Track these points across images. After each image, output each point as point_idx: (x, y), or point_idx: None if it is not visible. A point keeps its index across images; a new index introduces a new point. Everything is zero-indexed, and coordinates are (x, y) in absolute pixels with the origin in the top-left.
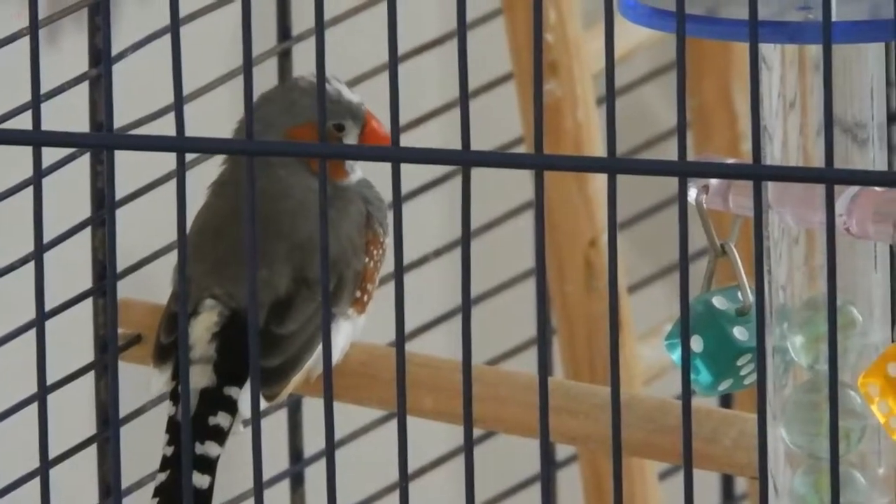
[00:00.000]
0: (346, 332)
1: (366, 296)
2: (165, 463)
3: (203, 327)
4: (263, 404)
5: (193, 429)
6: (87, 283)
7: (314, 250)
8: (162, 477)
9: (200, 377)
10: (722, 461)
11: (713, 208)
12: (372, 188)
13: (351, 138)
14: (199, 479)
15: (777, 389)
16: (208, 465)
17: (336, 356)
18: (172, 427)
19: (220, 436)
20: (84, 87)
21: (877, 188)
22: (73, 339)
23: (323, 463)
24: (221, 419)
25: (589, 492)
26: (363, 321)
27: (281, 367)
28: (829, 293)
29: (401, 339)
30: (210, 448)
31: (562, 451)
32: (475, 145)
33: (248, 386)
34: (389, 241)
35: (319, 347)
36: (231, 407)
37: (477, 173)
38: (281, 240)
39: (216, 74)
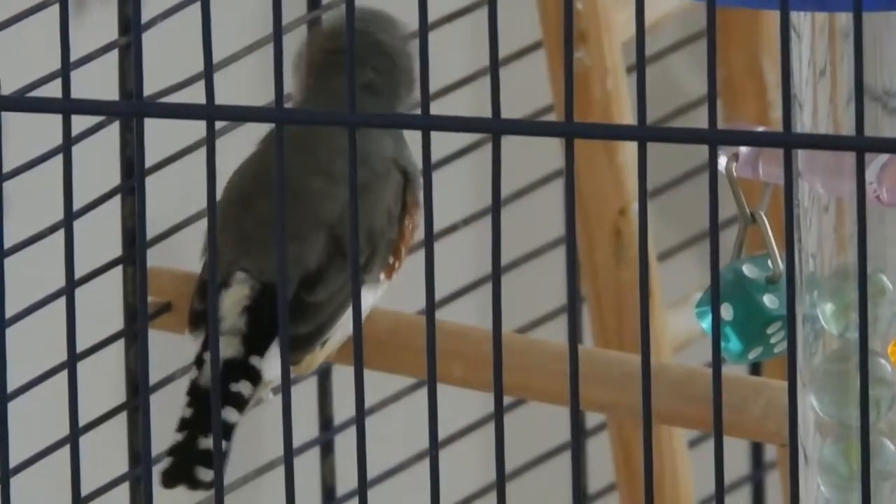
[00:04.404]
0: (373, 297)
1: (398, 262)
2: (183, 424)
3: (233, 300)
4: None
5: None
6: (116, 251)
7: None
8: (178, 437)
9: (228, 347)
10: (751, 429)
11: (743, 177)
12: (406, 148)
13: None
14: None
15: (807, 358)
16: (226, 431)
17: (362, 318)
18: (194, 391)
19: (239, 403)
20: (113, 56)
21: None
22: (103, 308)
23: (352, 431)
24: (243, 387)
25: (618, 460)
26: (388, 285)
27: (310, 335)
28: (860, 261)
29: (431, 307)
30: (229, 414)
31: (591, 419)
32: (505, 114)
33: (269, 353)
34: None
35: (344, 316)
36: (254, 376)
37: (507, 142)
38: (319, 211)
39: (246, 42)
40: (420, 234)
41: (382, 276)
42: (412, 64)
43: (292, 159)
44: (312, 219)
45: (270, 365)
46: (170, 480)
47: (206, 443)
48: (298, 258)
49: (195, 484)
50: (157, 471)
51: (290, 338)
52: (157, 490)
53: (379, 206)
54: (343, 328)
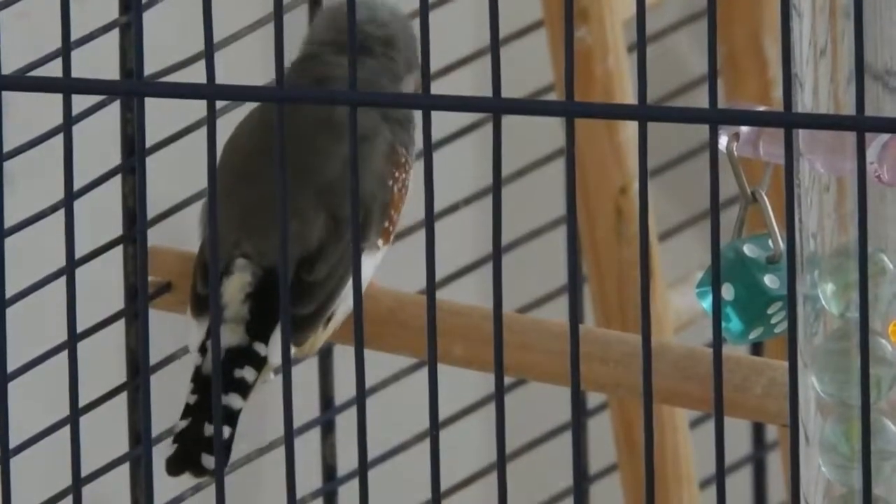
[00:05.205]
0: (373, 263)
1: (392, 225)
2: (187, 411)
3: (236, 287)
4: (296, 361)
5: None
6: (117, 230)
7: (343, 190)
8: (182, 424)
9: (232, 335)
10: (752, 409)
11: (744, 156)
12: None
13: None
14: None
15: (808, 337)
16: (230, 417)
17: (364, 287)
18: (198, 377)
19: (243, 389)
20: (114, 35)
21: None
22: (103, 287)
23: (353, 411)
24: (247, 373)
25: (619, 440)
26: (386, 249)
27: (312, 315)
28: (860, 241)
29: (431, 286)
30: (233, 400)
31: (592, 398)
32: (506, 92)
33: (273, 339)
34: (419, 168)
35: (344, 291)
36: (258, 362)
37: (508, 121)
38: (310, 184)
39: (247, 22)
40: (420, 213)
41: (380, 241)
42: (415, 45)
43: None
44: (305, 192)
45: (275, 350)
46: (175, 468)
47: (212, 429)
48: (297, 237)
49: (200, 471)
50: (157, 451)
51: (292, 319)
52: (158, 470)
53: (368, 169)
54: (346, 302)
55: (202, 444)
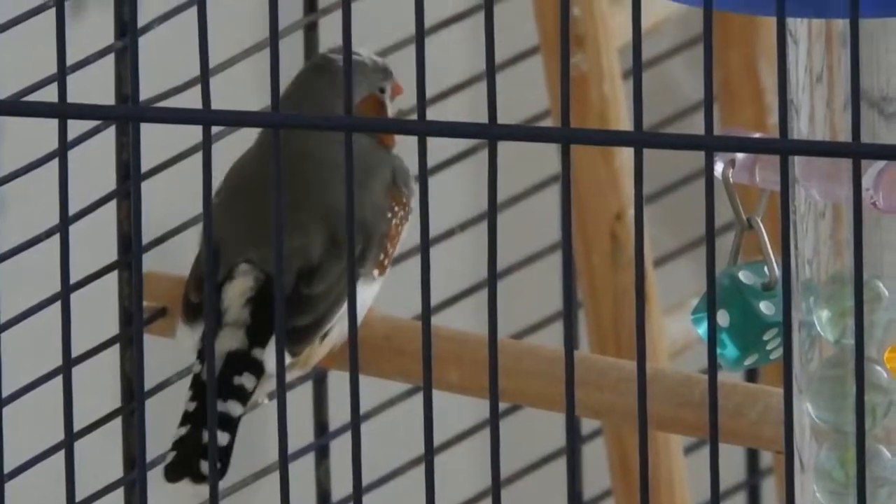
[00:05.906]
0: (369, 293)
1: (387, 258)
2: (186, 418)
3: (237, 292)
4: (290, 373)
5: (217, 387)
6: (112, 255)
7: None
8: (181, 431)
9: (232, 340)
10: (747, 436)
11: (739, 182)
12: (399, 159)
13: (387, 96)
14: (220, 437)
15: (803, 364)
16: (229, 423)
17: (359, 315)
18: (196, 385)
19: (243, 396)
20: (110, 60)
21: None
22: (99, 312)
23: (348, 436)
24: (246, 380)
25: (614, 466)
26: (382, 281)
27: (310, 326)
28: (856, 267)
29: (427, 312)
30: (232, 407)
31: (587, 425)
32: (501, 118)
33: (271, 344)
34: (414, 204)
35: (342, 309)
36: (257, 368)
37: (503, 146)
38: (316, 204)
39: (242, 47)
40: (416, 239)
41: (376, 272)
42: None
43: (289, 147)
44: (310, 209)
45: (272, 357)
46: (173, 474)
47: None
48: (299, 250)
49: (199, 478)
50: (152, 476)
51: (289, 329)
52: (152, 495)
53: (369, 199)
54: (342, 322)
55: (201, 450)
